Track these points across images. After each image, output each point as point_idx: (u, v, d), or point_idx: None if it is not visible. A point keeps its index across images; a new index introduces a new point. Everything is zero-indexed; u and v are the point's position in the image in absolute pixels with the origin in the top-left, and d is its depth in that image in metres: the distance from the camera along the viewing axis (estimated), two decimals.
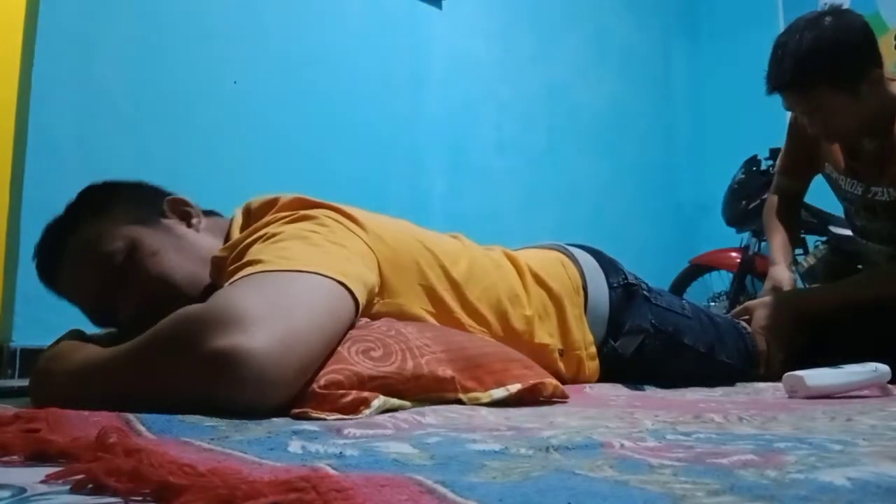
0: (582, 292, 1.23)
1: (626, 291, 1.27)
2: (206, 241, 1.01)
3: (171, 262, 0.96)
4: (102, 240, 0.94)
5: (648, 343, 1.23)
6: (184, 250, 0.98)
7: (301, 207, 0.96)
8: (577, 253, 1.30)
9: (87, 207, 0.99)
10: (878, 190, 1.50)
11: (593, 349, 1.22)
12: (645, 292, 1.28)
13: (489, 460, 0.44)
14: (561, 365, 1.16)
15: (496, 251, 1.20)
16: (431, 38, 2.77)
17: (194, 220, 1.03)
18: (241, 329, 0.66)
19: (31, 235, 1.04)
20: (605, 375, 1.23)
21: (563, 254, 1.29)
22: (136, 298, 0.93)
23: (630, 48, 3.58)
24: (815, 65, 1.38)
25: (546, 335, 1.14)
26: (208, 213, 1.08)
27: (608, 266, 1.30)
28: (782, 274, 1.64)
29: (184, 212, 1.04)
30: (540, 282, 1.18)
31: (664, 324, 1.26)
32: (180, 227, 1.01)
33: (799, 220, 1.85)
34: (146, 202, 1.02)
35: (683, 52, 3.85)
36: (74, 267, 0.96)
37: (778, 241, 1.72)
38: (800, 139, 1.67)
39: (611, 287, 1.26)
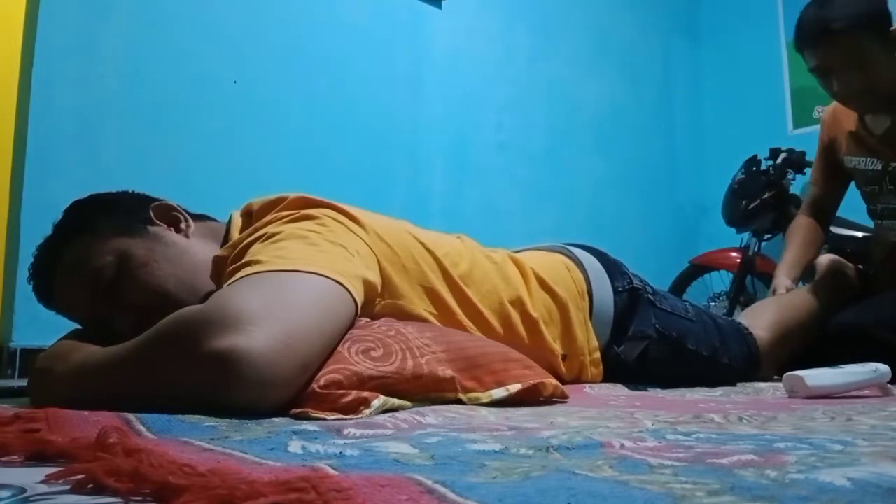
0: (587, 297, 1.22)
1: (631, 296, 1.26)
2: (198, 247, 1.00)
3: (162, 271, 0.95)
4: (91, 256, 0.93)
5: (652, 348, 1.23)
6: (174, 258, 0.97)
7: (303, 206, 0.96)
8: (582, 255, 1.29)
9: (74, 224, 0.98)
10: (894, 167, 1.56)
11: (597, 355, 1.21)
12: (650, 296, 1.27)
13: (489, 460, 0.44)
14: (563, 369, 1.16)
15: (500, 254, 1.19)
16: (431, 38, 2.77)
17: (182, 226, 1.02)
18: (241, 329, 0.66)
19: (31, 235, 1.04)
20: (607, 377, 1.23)
21: (567, 257, 1.28)
22: (132, 311, 0.92)
23: (630, 48, 3.58)
24: (862, 11, 1.43)
25: (550, 339, 1.14)
26: (199, 217, 1.07)
27: (613, 269, 1.29)
28: (780, 281, 1.69)
29: (171, 217, 1.02)
30: (545, 286, 1.18)
31: (668, 329, 1.26)
32: (169, 235, 1.00)
33: (822, 235, 1.87)
34: (132, 212, 1.00)
35: (683, 52, 3.85)
36: (67, 285, 0.95)
37: (787, 257, 1.78)
38: (829, 152, 1.76)
39: (616, 291, 1.25)
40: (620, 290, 1.26)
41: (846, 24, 1.43)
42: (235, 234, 0.98)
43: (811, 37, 1.48)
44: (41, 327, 1.15)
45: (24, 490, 0.39)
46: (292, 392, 0.69)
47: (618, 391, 1.13)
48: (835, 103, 1.70)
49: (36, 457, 0.48)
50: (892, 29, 1.47)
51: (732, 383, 1.32)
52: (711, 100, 3.82)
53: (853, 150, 1.67)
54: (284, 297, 0.73)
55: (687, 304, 1.38)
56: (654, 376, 1.24)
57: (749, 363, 1.38)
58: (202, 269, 0.96)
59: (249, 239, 0.89)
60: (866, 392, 1.07)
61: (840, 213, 1.93)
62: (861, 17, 1.44)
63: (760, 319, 1.49)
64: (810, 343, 1.49)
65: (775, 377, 1.42)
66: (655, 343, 1.23)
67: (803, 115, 3.31)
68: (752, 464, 0.41)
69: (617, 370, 1.22)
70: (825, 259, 1.75)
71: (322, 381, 0.69)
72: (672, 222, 3.65)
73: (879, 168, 1.60)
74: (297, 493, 0.33)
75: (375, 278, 0.92)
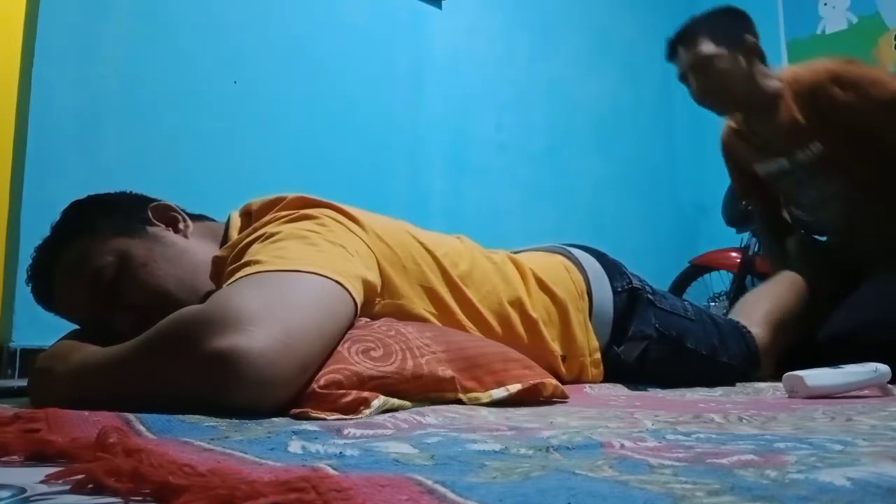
0: (586, 297, 1.23)
1: (630, 296, 1.26)
2: (197, 247, 1.00)
3: (162, 271, 0.95)
4: (91, 256, 0.93)
5: (652, 348, 1.23)
6: (174, 258, 0.97)
7: (302, 206, 0.96)
8: (581, 256, 1.29)
9: (73, 225, 0.97)
10: (800, 158, 1.67)
11: (598, 355, 1.21)
12: (649, 296, 1.28)
13: (489, 460, 0.44)
14: (563, 370, 1.16)
15: (499, 255, 1.20)
16: (431, 38, 2.77)
17: (181, 226, 1.02)
18: (241, 329, 0.66)
19: (31, 236, 1.04)
20: (607, 378, 1.23)
21: (566, 257, 1.28)
22: (132, 311, 0.92)
23: (630, 48, 3.58)
24: (699, 21, 1.67)
25: (549, 340, 1.14)
26: (197, 218, 1.07)
27: (612, 269, 1.29)
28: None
29: (170, 217, 1.02)
30: (544, 287, 1.18)
31: (668, 328, 1.26)
32: (168, 235, 1.00)
33: (778, 242, 1.96)
34: (131, 212, 1.00)
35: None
36: (67, 286, 0.95)
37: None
38: (741, 167, 1.87)
39: (615, 292, 1.26)
40: (620, 290, 1.26)
41: (700, 29, 1.64)
42: (234, 235, 0.97)
43: (671, 43, 1.68)
44: (41, 327, 1.15)
45: (24, 490, 0.39)
46: (292, 392, 0.69)
47: (618, 391, 1.13)
48: (725, 123, 1.84)
49: (36, 457, 0.48)
50: (746, 36, 1.64)
51: (732, 383, 1.32)
52: None
53: (758, 157, 1.77)
54: (284, 297, 0.73)
55: (686, 303, 1.38)
56: (653, 376, 1.24)
57: (748, 362, 1.38)
58: (202, 269, 0.96)
59: (249, 239, 0.89)
60: (866, 392, 1.07)
61: None
62: (715, 23, 1.64)
63: (753, 316, 1.50)
64: (804, 334, 1.52)
65: (771, 377, 1.43)
66: (655, 343, 1.23)
67: None
68: (752, 464, 0.41)
69: (617, 370, 1.22)
70: (798, 246, 1.83)
71: (322, 381, 0.69)
72: (672, 222, 3.65)
73: (787, 165, 1.70)
74: (297, 493, 0.33)
75: (375, 278, 0.92)
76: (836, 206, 1.70)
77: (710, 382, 1.27)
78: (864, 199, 1.67)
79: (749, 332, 1.42)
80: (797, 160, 1.68)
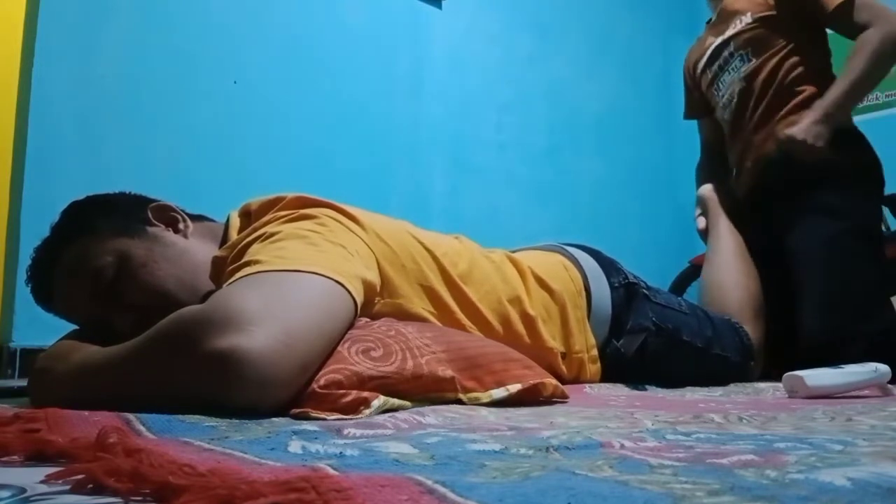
0: (584, 294, 1.24)
1: (627, 291, 1.28)
2: (197, 247, 1.00)
3: (162, 271, 0.95)
4: (90, 256, 0.93)
5: (650, 341, 1.25)
6: (174, 258, 0.97)
7: (302, 206, 0.96)
8: (578, 254, 1.31)
9: (72, 225, 0.97)
10: (731, 32, 1.78)
11: (595, 352, 1.22)
12: (645, 290, 1.30)
13: (489, 460, 0.44)
14: (563, 368, 1.16)
15: (497, 254, 1.20)
16: (431, 38, 2.77)
17: (181, 226, 1.02)
18: (241, 329, 0.66)
19: (31, 236, 1.04)
20: (607, 375, 1.24)
21: (564, 256, 1.29)
22: (132, 311, 0.92)
23: (630, 48, 3.58)
24: None
25: (549, 338, 1.14)
26: (197, 218, 1.07)
27: (608, 266, 1.31)
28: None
29: (170, 217, 1.02)
30: (542, 284, 1.18)
31: (664, 321, 1.29)
32: (168, 235, 1.00)
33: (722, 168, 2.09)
34: (130, 212, 1.00)
35: (683, 52, 3.84)
36: (66, 286, 0.95)
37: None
38: (690, 75, 2.01)
39: (612, 287, 1.27)
40: (617, 285, 1.28)
41: None
42: (234, 235, 0.97)
43: None
44: (41, 327, 1.15)
45: (24, 490, 0.39)
46: (292, 392, 0.69)
47: (618, 391, 1.14)
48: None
49: (36, 457, 0.48)
50: None
51: (731, 378, 1.35)
52: None
53: (700, 54, 1.91)
54: (284, 296, 0.73)
55: (680, 299, 1.42)
56: (652, 371, 1.25)
57: (743, 355, 1.41)
58: (202, 269, 0.96)
59: (248, 239, 0.89)
60: (866, 392, 1.07)
61: None
62: None
63: (729, 310, 1.51)
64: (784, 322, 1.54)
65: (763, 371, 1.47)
66: (653, 336, 1.26)
67: None
68: (752, 464, 0.41)
69: (616, 366, 1.23)
70: (708, 192, 1.96)
71: (322, 381, 0.69)
72: (672, 222, 3.64)
73: (718, 42, 1.82)
74: (297, 493, 0.33)
75: (375, 278, 0.92)
76: (735, 93, 1.79)
77: (707, 377, 1.29)
78: (760, 90, 1.74)
79: (741, 326, 1.45)
80: (727, 37, 1.80)
